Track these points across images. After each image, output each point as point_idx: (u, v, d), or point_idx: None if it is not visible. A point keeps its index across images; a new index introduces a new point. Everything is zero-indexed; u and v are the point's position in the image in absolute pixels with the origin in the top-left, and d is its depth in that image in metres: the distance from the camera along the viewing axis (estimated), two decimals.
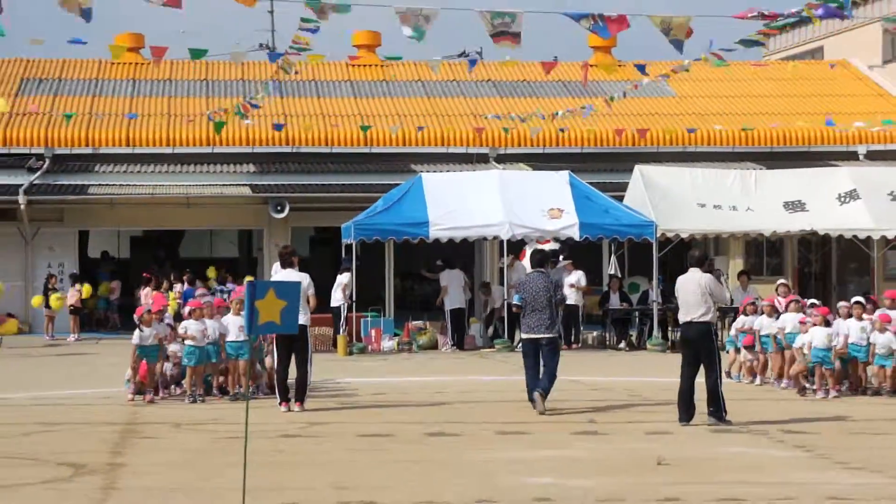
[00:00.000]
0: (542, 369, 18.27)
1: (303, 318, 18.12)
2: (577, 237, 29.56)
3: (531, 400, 18.11)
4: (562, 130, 38.32)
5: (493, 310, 31.43)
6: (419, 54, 45.49)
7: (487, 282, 32.93)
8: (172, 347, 20.08)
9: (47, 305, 34.01)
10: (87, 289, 34.78)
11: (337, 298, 30.20)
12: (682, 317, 17.12)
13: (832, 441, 15.34)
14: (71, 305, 34.15)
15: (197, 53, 29.53)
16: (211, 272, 35.94)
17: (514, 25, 17.67)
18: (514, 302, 19.95)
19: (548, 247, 30.79)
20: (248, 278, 31.15)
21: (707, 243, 34.53)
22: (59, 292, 34.28)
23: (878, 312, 20.57)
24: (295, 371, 18.60)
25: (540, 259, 19.15)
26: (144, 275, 34.69)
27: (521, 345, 19.45)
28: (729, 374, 22.05)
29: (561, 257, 31.06)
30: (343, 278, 30.22)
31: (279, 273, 19.30)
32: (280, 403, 18.53)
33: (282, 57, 26.97)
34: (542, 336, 18.26)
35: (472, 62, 32.01)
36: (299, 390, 18.56)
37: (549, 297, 18.34)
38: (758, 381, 21.91)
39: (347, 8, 17.61)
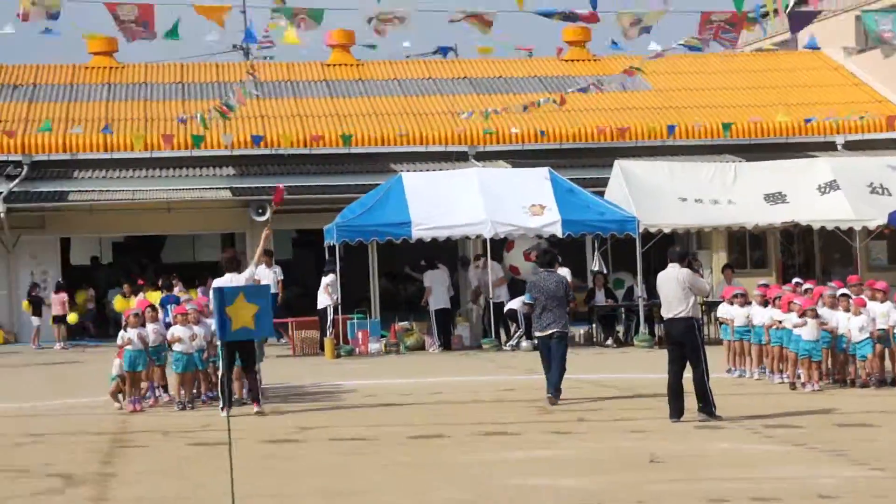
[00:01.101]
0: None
1: None
2: (560, 234, 29.53)
3: (549, 395, 18.73)
4: (542, 134, 38.35)
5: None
6: (394, 53, 45.45)
7: (478, 290, 32.33)
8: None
9: (35, 314, 34.03)
10: (80, 296, 34.72)
11: (322, 300, 30.17)
12: (665, 313, 17.21)
13: (823, 435, 15.36)
14: (55, 315, 34.07)
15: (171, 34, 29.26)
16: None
17: (488, 15, 17.72)
18: (526, 301, 20.30)
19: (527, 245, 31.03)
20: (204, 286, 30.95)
21: (690, 237, 34.55)
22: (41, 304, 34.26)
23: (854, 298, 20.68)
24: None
25: (549, 259, 19.86)
26: (134, 281, 34.57)
27: (536, 342, 20.08)
28: (729, 370, 22.22)
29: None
30: (327, 280, 30.18)
31: (222, 279, 19.25)
32: (221, 409, 18.22)
33: (251, 59, 27.03)
34: (552, 331, 18.90)
35: (444, 50, 31.80)
36: (253, 391, 18.62)
37: (560, 296, 18.99)
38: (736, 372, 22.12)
39: (320, 17, 17.55)
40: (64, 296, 34.38)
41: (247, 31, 30.48)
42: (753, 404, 18.36)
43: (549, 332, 18.97)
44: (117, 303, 32.79)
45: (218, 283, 19.03)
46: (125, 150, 38.18)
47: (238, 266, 19.42)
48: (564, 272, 30.06)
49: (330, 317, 29.84)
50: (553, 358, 18.89)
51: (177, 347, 19.58)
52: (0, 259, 36.36)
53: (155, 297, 26.90)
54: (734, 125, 39.13)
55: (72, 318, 34.24)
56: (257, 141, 36.10)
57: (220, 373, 19.40)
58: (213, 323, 19.44)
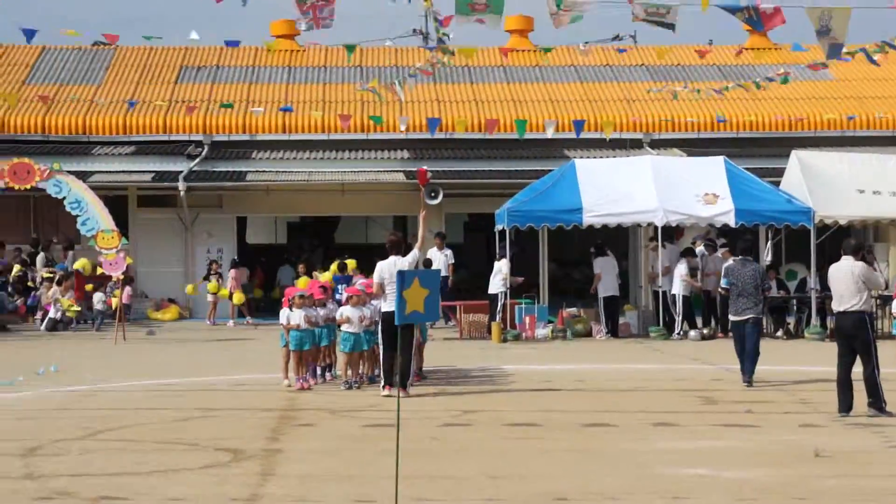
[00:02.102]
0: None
1: None
2: (732, 224, 29.21)
3: (743, 371, 20.02)
4: (721, 121, 37.77)
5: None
6: (572, 39, 45.28)
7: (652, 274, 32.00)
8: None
9: (212, 291, 34.71)
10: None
11: (496, 285, 30.23)
12: (836, 306, 16.93)
13: None
14: (231, 291, 34.72)
15: (350, 48, 30.08)
16: (351, 263, 35.95)
17: (669, 16, 17.45)
18: (723, 286, 21.30)
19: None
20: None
21: (866, 230, 33.90)
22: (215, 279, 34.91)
23: None
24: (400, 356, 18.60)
25: (747, 246, 21.14)
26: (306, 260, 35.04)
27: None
28: None
29: (720, 245, 30.82)
30: (501, 265, 30.23)
31: (386, 261, 19.34)
32: (384, 387, 18.77)
33: (433, 50, 27.08)
34: (748, 317, 20.14)
35: (622, 50, 31.45)
36: (403, 376, 18.61)
37: (756, 284, 20.18)
38: None
39: (501, 7, 17.39)
40: (240, 272, 35.00)
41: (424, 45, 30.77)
42: None
43: (746, 317, 20.13)
44: (300, 282, 33.34)
45: (381, 265, 19.22)
46: (303, 131, 38.81)
47: (402, 249, 19.53)
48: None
49: (500, 302, 29.90)
50: (748, 342, 20.01)
51: (345, 328, 19.80)
52: (178, 236, 37.21)
53: (326, 277, 27.25)
54: None
55: (237, 298, 34.77)
56: (433, 125, 36.21)
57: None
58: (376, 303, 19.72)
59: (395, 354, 18.69)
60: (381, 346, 19.34)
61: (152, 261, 36.55)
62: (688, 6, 16.77)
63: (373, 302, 19.94)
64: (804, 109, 39.75)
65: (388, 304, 18.63)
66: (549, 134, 35.14)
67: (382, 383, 18.97)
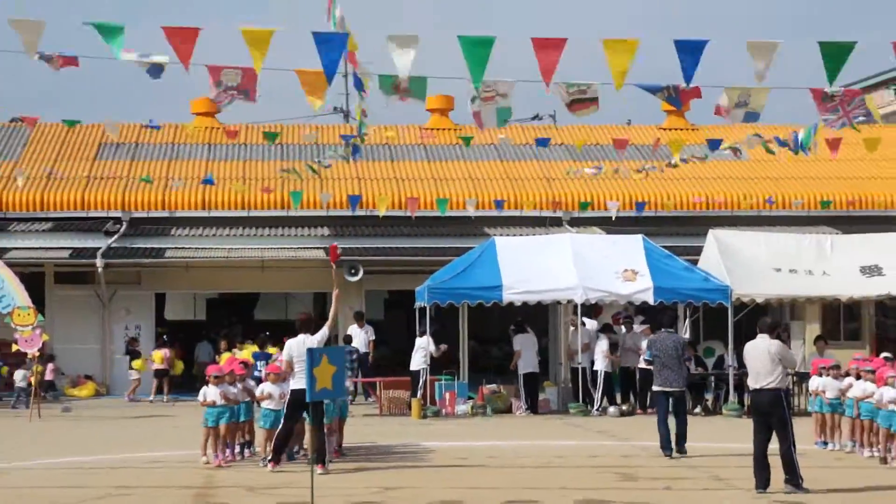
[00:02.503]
0: (672, 419, 20.71)
1: None
2: (651, 301, 29.42)
3: (663, 448, 20.59)
4: (640, 207, 37.58)
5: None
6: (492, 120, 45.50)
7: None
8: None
9: (137, 368, 34.50)
10: (157, 355, 34.91)
11: (417, 361, 30.24)
12: (752, 384, 17.09)
13: None
14: (156, 368, 34.49)
15: (270, 136, 30.29)
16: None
17: (590, 92, 17.59)
18: (646, 358, 22.52)
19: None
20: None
21: (783, 308, 34.25)
22: (140, 357, 34.68)
23: None
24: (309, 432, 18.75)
25: (670, 319, 21.97)
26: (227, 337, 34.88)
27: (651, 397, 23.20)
28: (826, 442, 21.95)
29: (638, 321, 31.06)
30: (422, 342, 30.26)
31: (295, 339, 19.44)
32: (269, 462, 19.02)
33: (351, 140, 27.37)
34: (674, 389, 20.96)
35: (543, 142, 31.57)
36: (320, 452, 18.55)
37: (679, 355, 20.96)
38: (832, 445, 21.78)
39: (423, 92, 17.49)
40: (167, 351, 34.78)
41: (343, 136, 31.04)
42: (842, 478, 18.11)
43: (671, 389, 20.92)
44: (222, 357, 33.23)
45: (290, 343, 19.27)
46: (223, 208, 38.76)
47: (311, 327, 19.56)
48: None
49: (422, 378, 29.88)
50: (677, 415, 20.81)
51: (266, 405, 19.77)
52: (95, 313, 36.89)
53: (246, 353, 27.14)
54: (832, 202, 38.77)
55: (178, 367, 34.72)
56: (353, 202, 36.28)
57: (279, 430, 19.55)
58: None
59: (292, 430, 19.02)
60: (282, 421, 19.39)
61: (69, 337, 36.17)
62: (606, 84, 16.91)
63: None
64: (721, 189, 40.24)
65: (296, 382, 18.78)
66: (471, 212, 35.31)
67: (269, 458, 19.13)
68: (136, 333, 36.40)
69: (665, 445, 20.60)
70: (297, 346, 19.00)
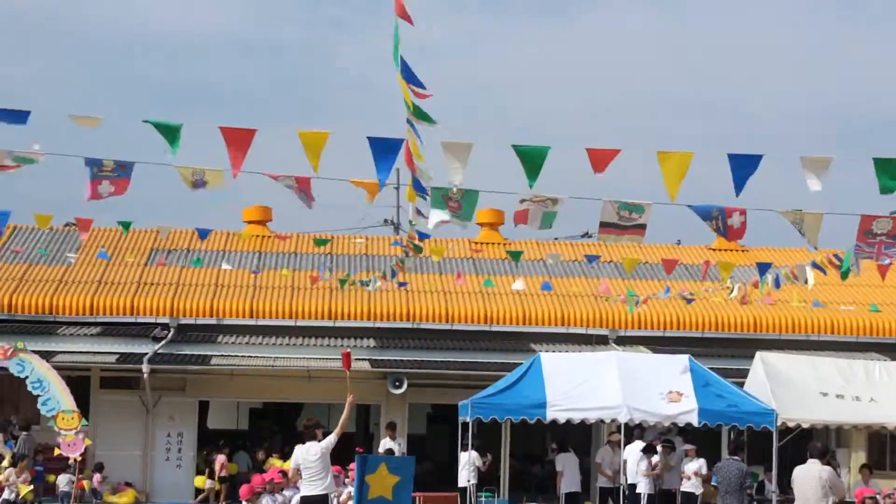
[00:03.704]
0: None
1: (323, 488, 18.49)
2: (695, 423, 29.10)
3: None
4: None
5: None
6: (543, 235, 45.67)
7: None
8: None
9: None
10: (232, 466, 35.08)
11: (464, 478, 29.97)
12: None
13: None
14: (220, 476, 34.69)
15: (320, 242, 30.45)
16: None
17: (642, 218, 17.38)
18: (713, 483, 23.59)
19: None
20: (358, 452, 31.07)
21: (828, 434, 33.87)
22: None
23: None
24: None
25: (736, 447, 23.52)
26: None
27: None
28: None
29: (680, 442, 30.78)
30: (466, 457, 30.04)
31: (301, 447, 19.46)
32: None
33: (404, 246, 27.37)
34: None
35: (592, 259, 31.60)
36: None
37: (741, 483, 22.05)
38: None
39: (473, 207, 17.41)
40: (223, 457, 34.95)
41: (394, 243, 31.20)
42: None
43: None
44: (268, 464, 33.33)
45: (297, 449, 19.31)
46: (270, 317, 38.88)
47: (315, 434, 19.48)
48: (700, 462, 29.92)
49: (471, 495, 29.64)
50: None
51: None
52: (138, 418, 36.93)
53: (280, 463, 27.12)
54: (883, 320, 38.50)
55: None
56: (401, 285, 36.00)
57: None
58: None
59: None
60: None
61: (111, 443, 36.20)
62: (660, 204, 16.83)
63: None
64: (769, 311, 40.02)
65: (305, 489, 18.73)
66: (519, 286, 35.64)
67: None
68: (177, 440, 36.46)
69: None
70: (303, 453, 19.05)
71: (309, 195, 16.54)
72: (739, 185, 15.39)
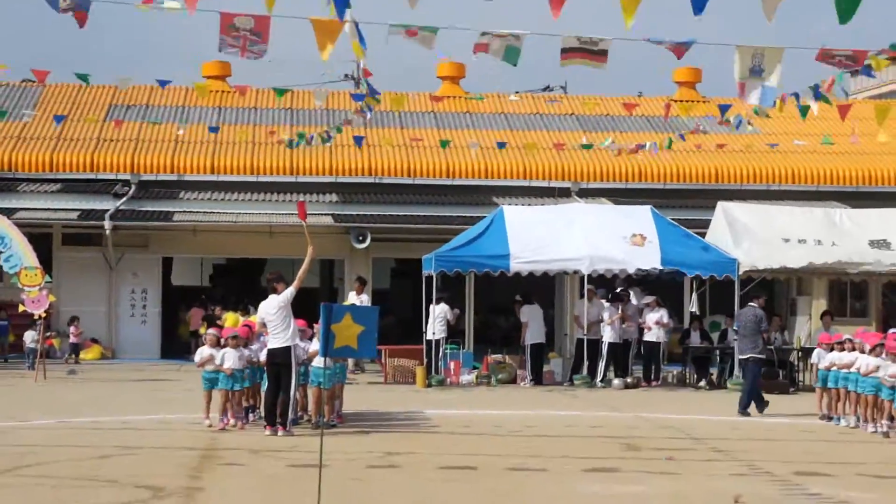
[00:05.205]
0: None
1: (284, 341, 18.60)
2: (659, 266, 29.22)
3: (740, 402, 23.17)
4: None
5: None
6: (503, 87, 45.53)
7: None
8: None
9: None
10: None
11: (433, 331, 30.00)
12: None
13: None
14: (192, 330, 34.97)
15: (280, 92, 30.16)
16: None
17: (602, 44, 17.26)
18: (734, 328, 26.14)
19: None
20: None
21: (790, 283, 34.16)
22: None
23: None
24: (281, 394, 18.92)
25: (753, 292, 24.86)
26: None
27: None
28: (830, 417, 21.88)
29: (637, 293, 30.99)
30: (439, 310, 30.11)
31: (264, 302, 19.49)
32: (265, 427, 19.00)
33: (363, 99, 27.10)
34: (749, 356, 23.32)
35: (553, 101, 31.55)
36: (283, 414, 18.84)
37: (757, 326, 23.29)
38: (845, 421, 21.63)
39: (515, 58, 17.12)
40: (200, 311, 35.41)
41: (353, 95, 31.00)
42: (849, 453, 18.09)
43: (746, 356, 23.46)
44: (229, 321, 33.25)
45: (261, 305, 19.34)
46: (231, 172, 38.71)
47: (275, 289, 19.44)
48: (662, 312, 30.20)
49: (442, 348, 29.80)
50: (746, 377, 23.62)
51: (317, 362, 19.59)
52: (102, 275, 36.92)
53: (230, 321, 26.93)
54: (840, 170, 38.71)
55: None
56: (358, 141, 35.63)
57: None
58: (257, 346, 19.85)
59: (277, 393, 18.95)
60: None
61: (75, 299, 36.20)
62: (618, 40, 16.71)
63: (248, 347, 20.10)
64: (730, 162, 40.12)
65: (270, 342, 19.03)
66: (472, 147, 35.75)
67: (265, 424, 19.18)
68: (141, 297, 36.60)
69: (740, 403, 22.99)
70: (265, 306, 19.14)
71: (265, 34, 16.30)
72: (699, 5, 14.91)
